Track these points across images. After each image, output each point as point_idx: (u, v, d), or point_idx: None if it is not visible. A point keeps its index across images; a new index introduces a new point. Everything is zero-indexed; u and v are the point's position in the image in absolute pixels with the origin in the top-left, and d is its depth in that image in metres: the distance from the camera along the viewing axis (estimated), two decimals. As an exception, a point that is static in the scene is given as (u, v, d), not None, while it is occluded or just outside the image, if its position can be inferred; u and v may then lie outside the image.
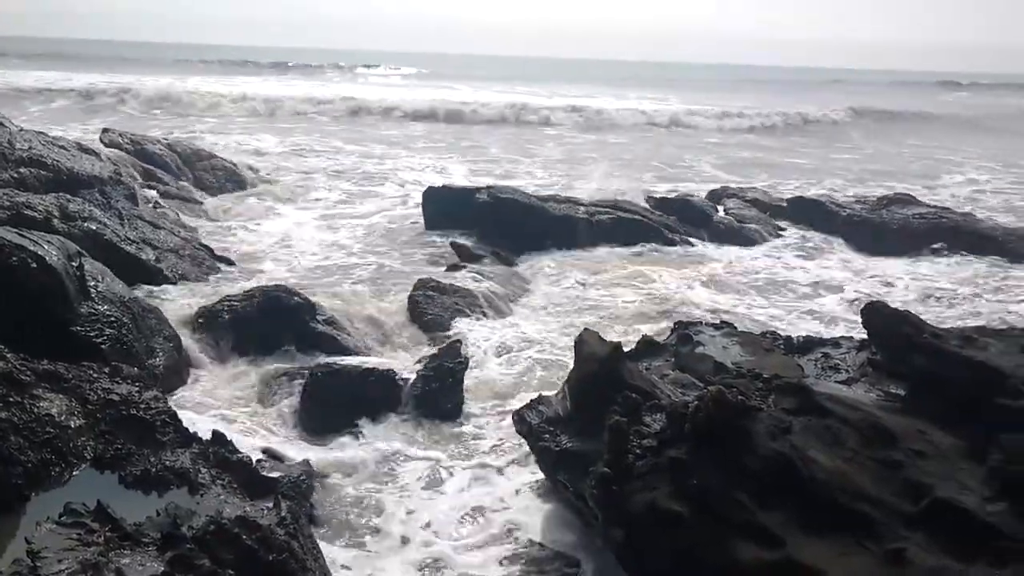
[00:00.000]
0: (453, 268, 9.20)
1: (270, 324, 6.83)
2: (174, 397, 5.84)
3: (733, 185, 15.19)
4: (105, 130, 14.47)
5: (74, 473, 4.06)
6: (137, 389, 4.75)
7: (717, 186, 14.85)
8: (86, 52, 64.30)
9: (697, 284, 9.53)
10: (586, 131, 28.20)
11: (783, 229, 11.96)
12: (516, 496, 4.94)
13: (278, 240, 10.85)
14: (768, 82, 65.52)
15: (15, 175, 9.11)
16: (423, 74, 61.08)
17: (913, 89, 63.36)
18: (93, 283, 6.19)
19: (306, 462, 5.09)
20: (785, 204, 12.98)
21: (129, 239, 8.19)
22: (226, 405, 5.95)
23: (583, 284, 9.36)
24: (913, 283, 10.00)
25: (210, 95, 29.74)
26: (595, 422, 4.31)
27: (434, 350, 6.65)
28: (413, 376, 6.12)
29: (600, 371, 4.56)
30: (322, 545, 4.18)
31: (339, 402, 5.92)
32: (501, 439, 5.57)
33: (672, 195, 13.14)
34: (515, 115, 30.22)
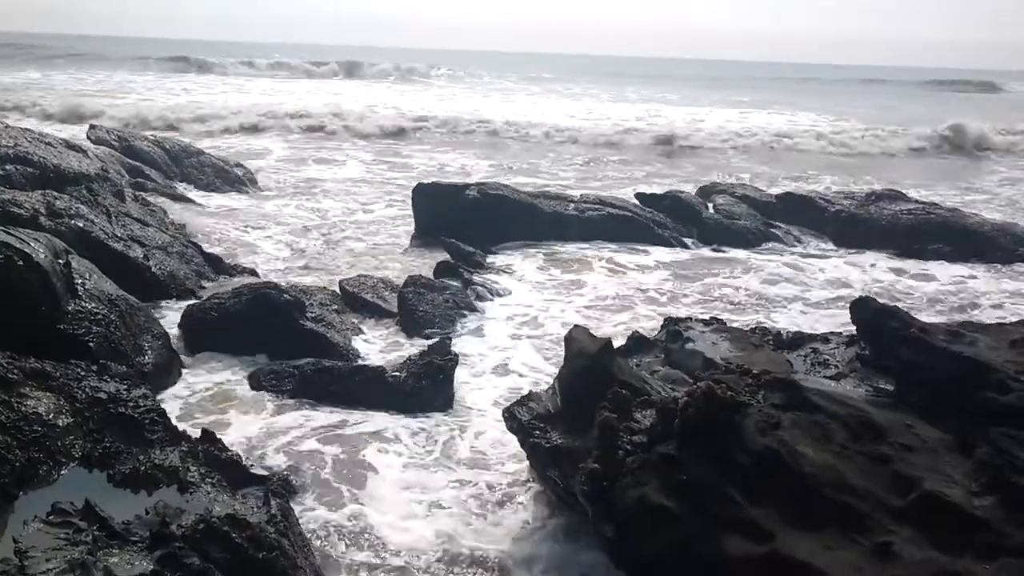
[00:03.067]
0: (443, 265, 9.19)
1: (259, 321, 6.80)
2: (163, 395, 5.82)
3: (723, 181, 15.23)
4: (92, 126, 14.42)
5: (62, 472, 4.05)
6: (125, 387, 4.74)
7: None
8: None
9: (686, 280, 9.56)
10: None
11: (773, 225, 11.99)
12: (507, 493, 4.94)
13: (268, 238, 10.82)
14: (782, 80, 62.26)
15: (1, 172, 9.06)
16: (461, 76, 54.08)
17: (960, 88, 59.81)
18: (80, 281, 6.16)
19: (296, 459, 5.08)
20: (775, 200, 13.01)
21: (117, 236, 8.14)
22: (215, 402, 5.93)
23: (572, 280, 9.37)
24: (901, 279, 10.06)
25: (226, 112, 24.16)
26: (585, 418, 4.32)
27: (424, 347, 6.65)
28: (403, 373, 6.11)
29: (590, 367, 4.57)
30: (315, 542, 4.19)
31: (329, 399, 5.92)
32: (491, 436, 5.57)
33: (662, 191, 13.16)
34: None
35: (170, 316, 7.26)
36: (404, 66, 52.83)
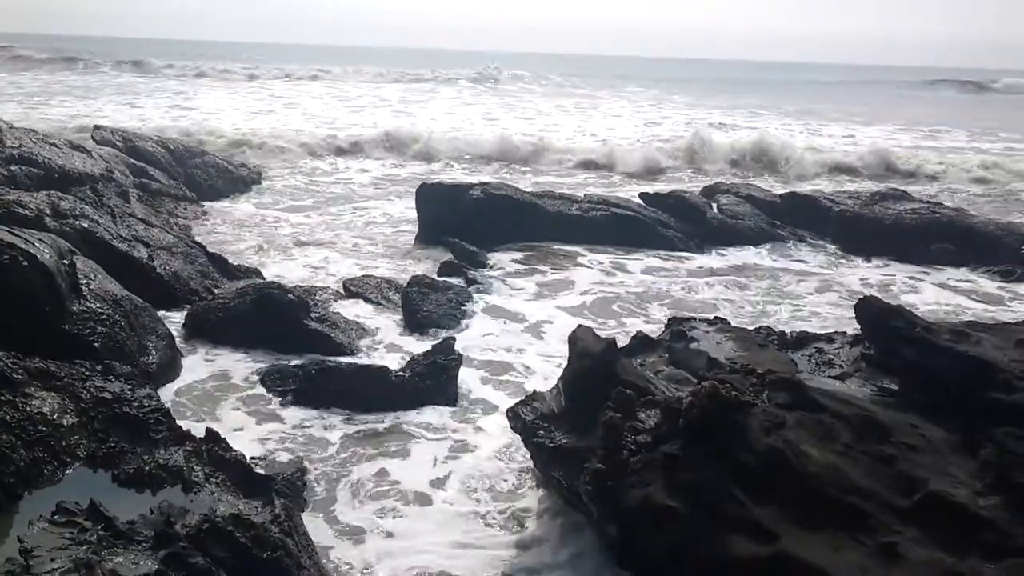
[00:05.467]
0: (446, 265, 9.20)
1: (263, 321, 6.82)
2: (166, 394, 5.82)
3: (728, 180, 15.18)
4: (97, 127, 14.44)
5: (67, 471, 4.05)
6: (130, 387, 4.74)
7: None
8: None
9: (690, 280, 9.55)
10: None
11: (777, 225, 11.97)
12: (511, 493, 4.94)
13: (272, 238, 10.83)
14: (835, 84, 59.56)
15: (6, 172, 9.08)
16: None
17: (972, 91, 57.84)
18: (85, 281, 6.17)
19: (300, 459, 5.09)
20: (779, 200, 12.97)
21: (121, 237, 8.15)
22: (219, 402, 5.94)
23: (575, 279, 9.36)
24: (905, 278, 10.04)
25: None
26: (589, 418, 4.32)
27: (428, 346, 6.65)
28: (407, 373, 6.12)
29: (594, 367, 4.56)
30: (317, 542, 4.19)
31: (333, 399, 5.92)
32: (495, 436, 5.57)
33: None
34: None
35: (175, 316, 7.27)
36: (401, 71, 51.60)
